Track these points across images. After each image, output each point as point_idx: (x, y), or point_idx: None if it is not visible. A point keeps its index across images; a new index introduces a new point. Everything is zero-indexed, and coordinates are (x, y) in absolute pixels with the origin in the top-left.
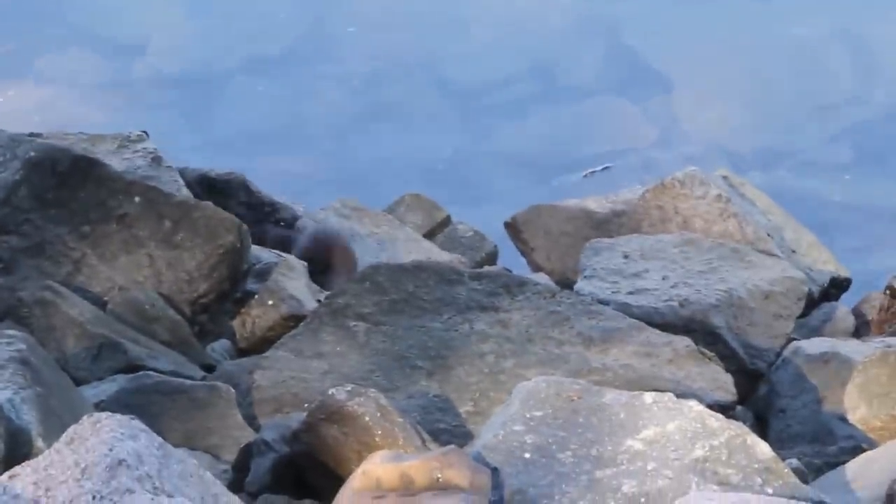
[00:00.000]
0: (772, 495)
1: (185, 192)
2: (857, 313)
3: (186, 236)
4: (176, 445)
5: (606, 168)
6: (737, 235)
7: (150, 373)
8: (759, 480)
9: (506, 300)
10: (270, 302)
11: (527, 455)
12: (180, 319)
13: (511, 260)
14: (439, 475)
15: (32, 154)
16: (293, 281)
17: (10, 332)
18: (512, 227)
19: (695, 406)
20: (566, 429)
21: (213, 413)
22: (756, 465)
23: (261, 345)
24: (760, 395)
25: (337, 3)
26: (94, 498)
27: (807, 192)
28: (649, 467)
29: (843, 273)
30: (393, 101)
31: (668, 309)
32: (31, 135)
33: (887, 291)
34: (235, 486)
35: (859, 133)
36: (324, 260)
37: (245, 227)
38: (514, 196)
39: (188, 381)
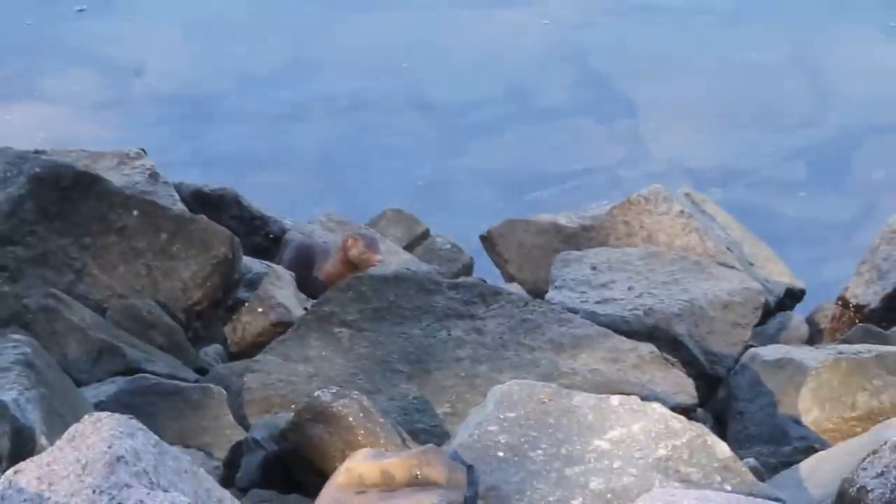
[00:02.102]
0: (730, 492)
1: (181, 207)
2: (811, 322)
3: (182, 248)
4: (171, 443)
5: (574, 185)
6: (698, 249)
7: (147, 375)
8: (718, 478)
9: (481, 308)
10: (260, 309)
11: (500, 454)
12: (176, 325)
13: (486, 271)
14: (418, 472)
15: (37, 170)
16: (281, 290)
17: (16, 336)
18: (487, 240)
19: (658, 408)
20: (537, 429)
21: (206, 413)
22: (715, 464)
23: (251, 349)
24: (720, 398)
25: (324, 28)
26: (94, 492)
27: (763, 208)
28: (615, 465)
29: (798, 284)
30: (375, 120)
31: (634, 317)
32: (36, 152)
33: (839, 302)
34: (226, 481)
35: (813, 153)
36: (304, 271)
37: (237, 239)
38: (489, 211)
39: (183, 384)
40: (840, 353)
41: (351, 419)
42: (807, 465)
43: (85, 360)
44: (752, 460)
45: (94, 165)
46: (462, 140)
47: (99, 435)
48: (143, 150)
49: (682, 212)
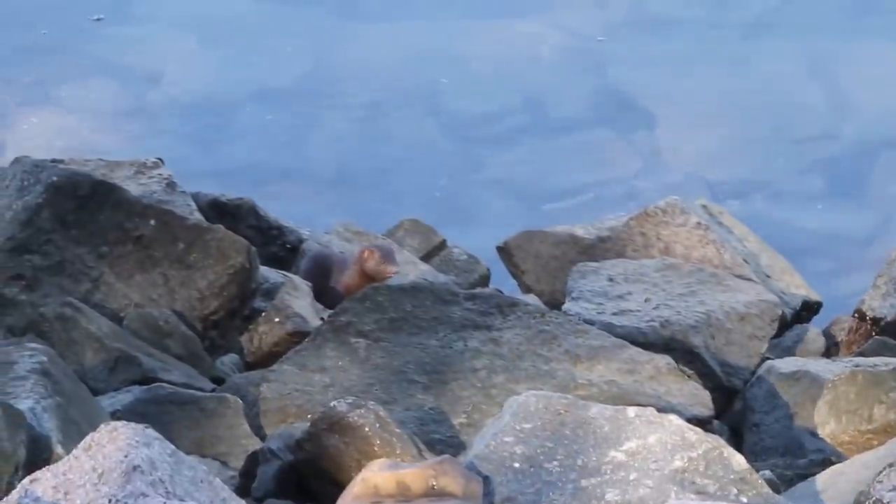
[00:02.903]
0: None
1: (198, 216)
2: (827, 335)
3: (199, 257)
4: (187, 453)
5: (591, 197)
6: (715, 261)
7: (164, 384)
8: (734, 490)
9: (498, 319)
10: (277, 319)
11: (516, 464)
12: (192, 335)
13: (502, 282)
14: (434, 483)
15: (55, 179)
16: (298, 300)
17: (33, 345)
18: (504, 251)
19: (675, 420)
20: (554, 440)
21: (222, 423)
22: (732, 476)
23: (267, 359)
24: (736, 410)
25: (341, 39)
26: (110, 501)
27: (781, 221)
28: (631, 477)
29: (815, 297)
30: (393, 131)
31: (650, 329)
32: (54, 160)
33: (855, 314)
34: (242, 491)
35: (830, 166)
36: (321, 282)
37: (254, 249)
38: (506, 222)
39: (199, 393)
40: (857, 365)
41: (367, 429)
42: (823, 478)
43: (101, 369)
44: (768, 472)
45: (112, 174)
46: (479, 151)
47: (115, 444)
48: (160, 159)
49: (699, 224)
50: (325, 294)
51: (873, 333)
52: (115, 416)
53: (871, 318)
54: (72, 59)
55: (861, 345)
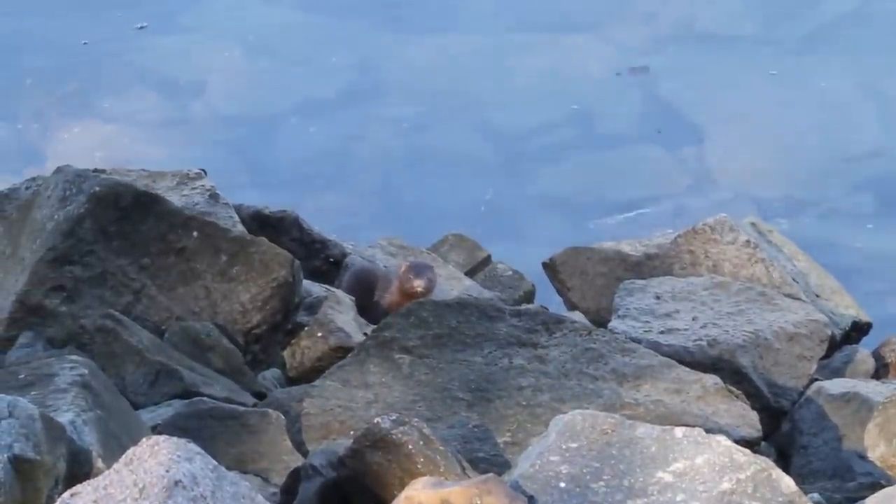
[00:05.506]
0: None
1: (241, 228)
2: (877, 356)
3: (242, 270)
4: (228, 468)
5: (640, 213)
6: (764, 279)
7: (205, 399)
8: None
9: (544, 337)
10: (320, 334)
11: (562, 484)
12: (234, 349)
13: (547, 298)
14: (478, 501)
15: (97, 189)
16: (342, 314)
17: (73, 357)
18: (550, 268)
19: (723, 441)
20: (600, 460)
21: (264, 438)
22: (780, 499)
23: (310, 374)
24: (783, 431)
25: (387, 51)
26: None
27: (831, 240)
28: (678, 499)
29: (864, 317)
30: (438, 144)
31: (698, 348)
32: (96, 170)
33: None
34: None
35: (881, 184)
36: (364, 297)
37: (297, 262)
38: (552, 238)
39: (240, 408)
40: None
41: (410, 447)
42: (872, 502)
43: (142, 383)
44: (816, 495)
45: (154, 185)
46: (525, 165)
47: (156, 458)
48: (203, 170)
49: (748, 242)
50: (368, 309)
51: None
52: (156, 430)
53: None
54: (114, 70)
55: None
